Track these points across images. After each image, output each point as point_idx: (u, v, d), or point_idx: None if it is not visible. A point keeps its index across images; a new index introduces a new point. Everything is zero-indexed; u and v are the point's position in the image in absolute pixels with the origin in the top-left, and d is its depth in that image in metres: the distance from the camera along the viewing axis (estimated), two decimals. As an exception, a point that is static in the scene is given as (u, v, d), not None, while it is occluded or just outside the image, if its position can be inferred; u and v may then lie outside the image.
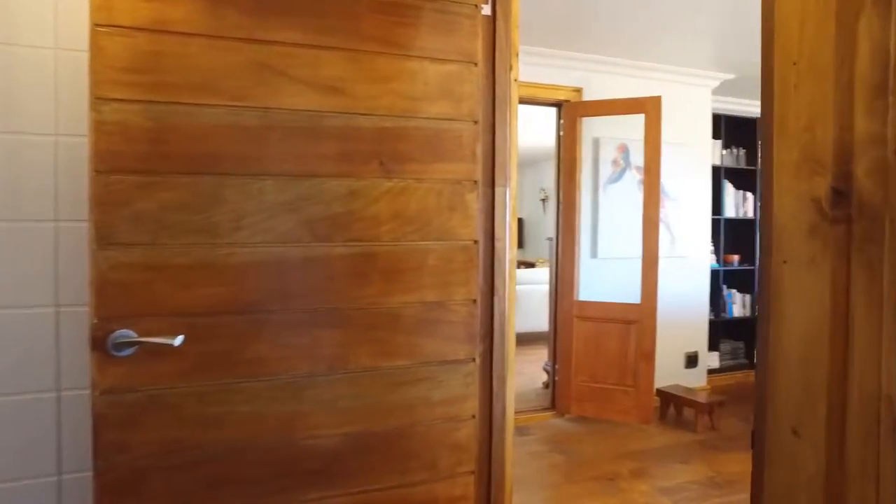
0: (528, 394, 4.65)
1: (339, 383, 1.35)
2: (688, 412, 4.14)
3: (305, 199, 1.31)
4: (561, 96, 4.10)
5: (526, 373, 5.29)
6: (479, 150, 1.48)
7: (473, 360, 1.49)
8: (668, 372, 4.48)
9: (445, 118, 1.44)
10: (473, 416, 1.50)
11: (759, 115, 5.22)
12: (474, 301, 1.48)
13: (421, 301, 1.42)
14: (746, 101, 5.42)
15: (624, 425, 3.98)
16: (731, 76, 4.56)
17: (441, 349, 1.45)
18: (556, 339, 4.23)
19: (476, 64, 1.48)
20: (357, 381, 1.37)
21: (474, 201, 1.46)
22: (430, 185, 1.42)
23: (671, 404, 4.17)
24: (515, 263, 1.53)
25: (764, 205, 0.73)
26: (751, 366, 5.25)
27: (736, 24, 3.53)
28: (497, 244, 1.49)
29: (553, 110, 4.29)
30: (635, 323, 3.98)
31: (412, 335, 1.41)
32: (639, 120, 3.94)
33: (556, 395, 4.21)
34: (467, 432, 1.49)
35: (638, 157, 4.20)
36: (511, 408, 1.53)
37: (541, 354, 5.86)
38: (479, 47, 1.48)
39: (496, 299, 1.50)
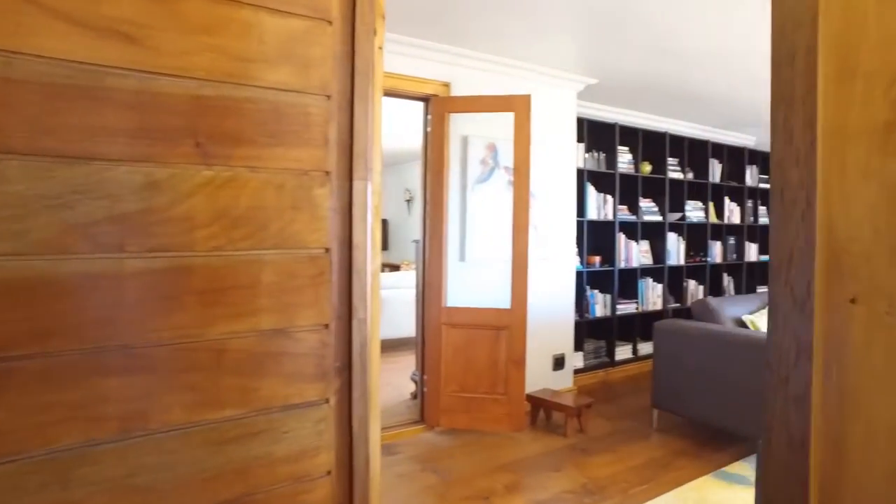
0: (395, 407, 4.37)
1: (135, 451, 0.96)
2: (557, 416, 4.10)
3: (79, 192, 0.91)
4: (428, 90, 3.87)
5: (393, 383, 5.01)
6: (333, 132, 1.17)
7: (327, 400, 1.17)
8: (537, 375, 4.43)
9: (288, 89, 1.11)
10: (329, 473, 1.18)
11: (617, 122, 5.40)
12: (326, 326, 1.16)
13: (255, 330, 1.07)
14: (607, 108, 5.58)
15: (496, 435, 3.84)
16: (594, 81, 4.61)
17: (284, 390, 1.11)
18: (423, 347, 3.99)
19: (330, 22, 1.16)
20: (164, 445, 0.99)
21: (326, 198, 1.14)
22: (267, 175, 1.08)
23: (541, 409, 4.11)
24: (379, 276, 1.23)
25: (782, 201, 0.48)
26: (611, 363, 5.40)
27: (600, 29, 3.51)
28: (356, 253, 1.18)
29: (419, 106, 4.05)
30: (505, 329, 3.85)
31: (244, 375, 1.06)
32: (508, 119, 3.82)
33: (424, 406, 3.97)
34: (321, 494, 1.16)
35: (507, 157, 4.09)
36: (377, 457, 1.23)
37: (407, 362, 5.62)
38: (333, 2, 1.16)
39: (355, 322, 1.19)
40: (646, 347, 5.69)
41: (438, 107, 3.86)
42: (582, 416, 3.94)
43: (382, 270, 9.61)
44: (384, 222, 10.68)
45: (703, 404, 3.69)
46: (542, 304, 4.50)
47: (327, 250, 1.15)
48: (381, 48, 1.28)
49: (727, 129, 6.73)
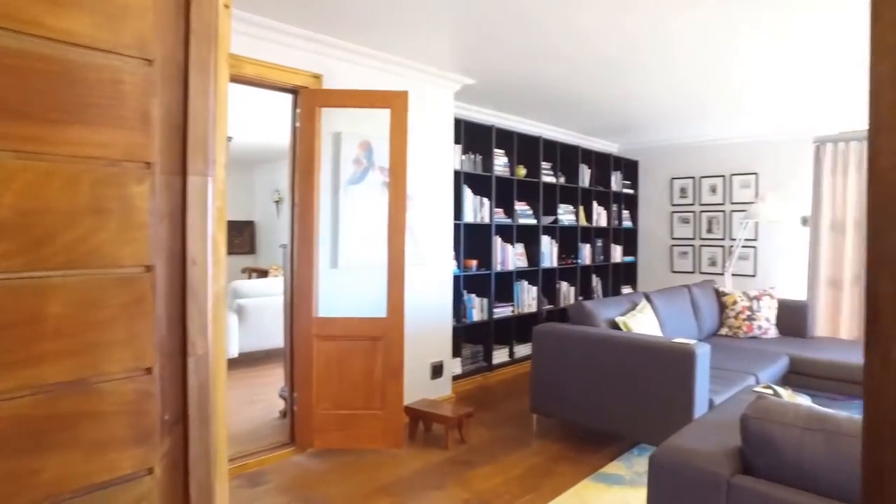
0: (262, 428, 3.97)
1: None
2: (438, 427, 3.94)
3: None
4: (298, 81, 3.54)
5: (261, 400, 4.59)
6: (157, 111, 0.87)
7: (150, 470, 0.87)
8: (415, 385, 4.25)
9: (90, 45, 0.80)
10: (154, 567, 0.87)
11: (494, 125, 5.37)
12: (148, 370, 0.86)
13: (33, 385, 0.75)
14: (484, 110, 5.54)
15: (374, 453, 3.59)
16: (471, 81, 4.52)
17: (84, 467, 0.80)
18: (293, 361, 3.65)
19: (150, -38, 0.86)
20: None
21: (146, 198, 0.84)
22: (53, 165, 0.76)
23: (420, 421, 3.92)
24: (225, 298, 0.95)
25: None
26: (489, 368, 5.36)
27: (478, 28, 3.40)
28: (192, 270, 0.89)
29: (287, 98, 3.70)
30: (382, 338, 3.62)
31: (14, 455, 0.74)
32: (383, 116, 3.59)
33: (295, 426, 3.63)
34: None
35: (382, 157, 3.87)
36: (222, 536, 0.95)
37: (276, 376, 5.20)
38: (155, -65, 0.87)
39: (192, 361, 0.90)
40: (521, 349, 5.73)
41: (309, 100, 3.53)
42: (462, 427, 3.81)
43: (249, 276, 8.95)
44: (251, 225, 9.99)
45: (580, 406, 3.71)
46: (419, 310, 4.33)
47: (149, 268, 0.85)
48: (227, 6, 1.00)
49: (594, 135, 7.01)
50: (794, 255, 6.32)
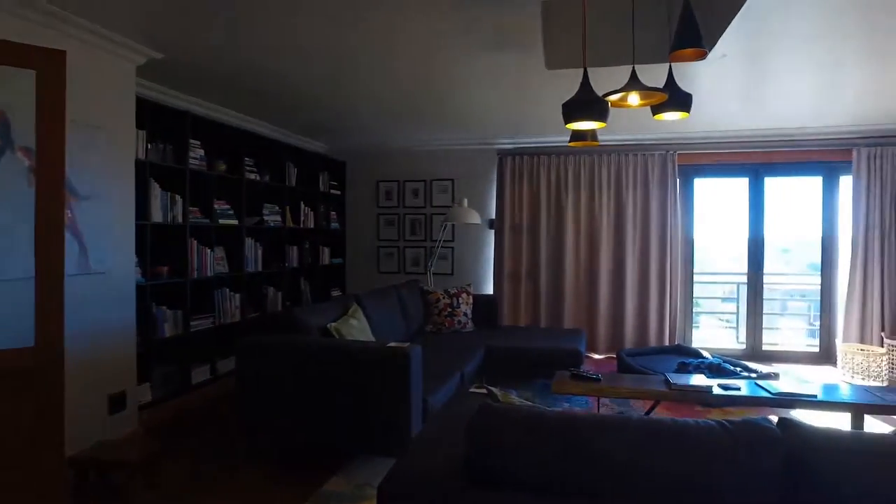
0: None
1: None
2: (119, 474, 3.18)
3: None
4: None
5: None
6: None
7: None
8: (87, 425, 3.39)
9: None
10: None
11: (190, 111, 4.67)
12: None
13: None
14: (178, 93, 4.79)
15: (18, 528, 2.70)
16: (160, 56, 3.80)
17: None
18: None
19: None
20: None
21: None
22: None
23: (92, 472, 3.12)
24: None
25: None
26: (187, 389, 4.65)
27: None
28: None
29: None
30: (29, 375, 2.74)
31: None
32: (27, 79, 2.72)
33: None
34: None
35: (26, 135, 2.95)
36: None
37: None
38: None
39: None
40: (226, 364, 5.14)
41: None
42: (152, 469, 3.14)
43: None
44: None
45: (294, 422, 3.40)
46: (89, 332, 3.47)
47: None
48: None
49: (302, 134, 6.73)
50: (484, 254, 7.02)
